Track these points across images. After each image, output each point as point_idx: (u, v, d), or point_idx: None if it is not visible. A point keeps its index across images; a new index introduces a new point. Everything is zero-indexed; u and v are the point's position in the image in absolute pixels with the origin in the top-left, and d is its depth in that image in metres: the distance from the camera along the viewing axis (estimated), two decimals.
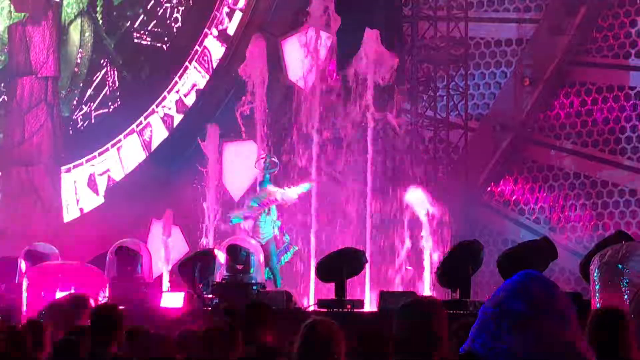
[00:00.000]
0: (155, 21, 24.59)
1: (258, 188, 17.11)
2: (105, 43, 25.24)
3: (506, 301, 3.40)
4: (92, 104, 25.26)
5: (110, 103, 25.07)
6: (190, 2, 24.17)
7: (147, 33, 24.67)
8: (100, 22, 25.30)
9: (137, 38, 24.85)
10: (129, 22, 25.03)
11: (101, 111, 25.07)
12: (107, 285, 13.24)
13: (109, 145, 24.22)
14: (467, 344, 3.36)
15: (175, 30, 24.34)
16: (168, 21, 24.49)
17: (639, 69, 19.44)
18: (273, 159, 17.44)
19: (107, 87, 25.15)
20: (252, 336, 6.23)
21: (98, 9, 25.45)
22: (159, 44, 24.49)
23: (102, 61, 25.26)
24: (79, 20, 25.56)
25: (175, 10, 24.36)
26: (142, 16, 24.82)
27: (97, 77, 25.29)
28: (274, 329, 6.43)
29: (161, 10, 24.59)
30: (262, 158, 17.53)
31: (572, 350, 3.27)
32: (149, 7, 24.70)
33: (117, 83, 25.06)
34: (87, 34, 25.46)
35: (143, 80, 24.54)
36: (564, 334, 3.28)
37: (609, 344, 4.91)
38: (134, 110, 24.12)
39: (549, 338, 3.26)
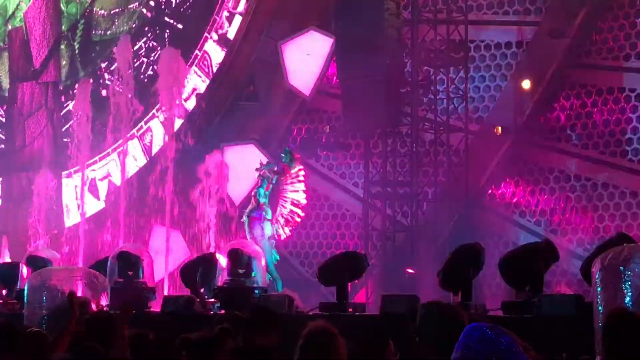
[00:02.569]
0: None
1: (254, 195, 17.19)
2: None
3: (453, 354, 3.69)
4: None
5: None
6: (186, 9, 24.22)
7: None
8: (77, 50, 25.48)
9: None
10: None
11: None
12: (109, 290, 13.24)
13: (109, 150, 24.23)
14: None
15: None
16: (141, 76, 24.71)
17: (639, 71, 19.45)
18: (272, 167, 17.53)
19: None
20: (255, 340, 6.24)
21: (77, 37, 25.71)
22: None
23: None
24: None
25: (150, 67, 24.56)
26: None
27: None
28: (277, 333, 6.44)
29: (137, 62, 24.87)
30: (263, 165, 17.60)
31: None
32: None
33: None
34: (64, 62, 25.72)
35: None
36: None
37: (623, 345, 4.92)
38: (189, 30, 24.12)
39: None
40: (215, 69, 23.24)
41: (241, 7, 23.21)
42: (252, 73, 22.75)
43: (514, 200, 20.45)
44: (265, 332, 6.39)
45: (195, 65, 23.59)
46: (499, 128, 19.82)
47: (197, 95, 23.48)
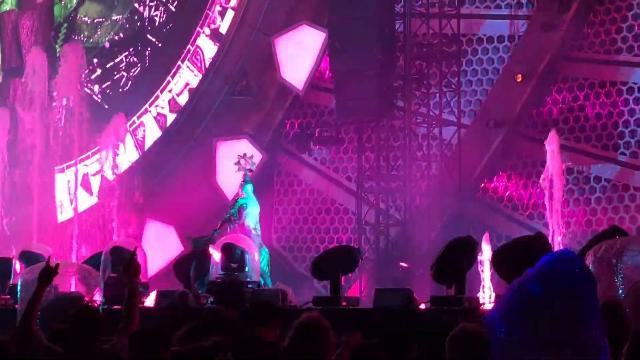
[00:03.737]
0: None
1: (240, 189, 17.26)
2: None
3: (527, 282, 3.25)
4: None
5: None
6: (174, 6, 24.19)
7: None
8: (58, 53, 25.48)
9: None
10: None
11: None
12: (102, 285, 13.24)
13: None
14: (491, 321, 3.22)
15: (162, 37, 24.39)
16: (120, 89, 24.68)
17: (631, 64, 19.49)
18: (249, 158, 17.62)
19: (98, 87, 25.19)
20: (254, 334, 6.26)
21: (59, 40, 25.70)
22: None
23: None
24: None
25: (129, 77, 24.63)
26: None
27: None
28: (276, 327, 6.47)
29: (117, 75, 24.88)
30: (241, 157, 17.68)
31: (585, 341, 3.13)
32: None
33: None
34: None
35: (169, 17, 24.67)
36: (579, 322, 3.14)
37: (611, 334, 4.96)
38: (169, 50, 24.15)
39: (561, 326, 3.12)
40: (207, 64, 23.23)
41: (233, 1, 23.19)
42: (245, 67, 22.74)
43: (507, 193, 20.48)
44: (267, 326, 6.42)
45: (188, 60, 23.57)
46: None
47: (190, 90, 23.47)
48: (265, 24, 22.49)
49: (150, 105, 23.85)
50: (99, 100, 24.99)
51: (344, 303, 12.38)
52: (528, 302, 3.12)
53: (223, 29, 23.18)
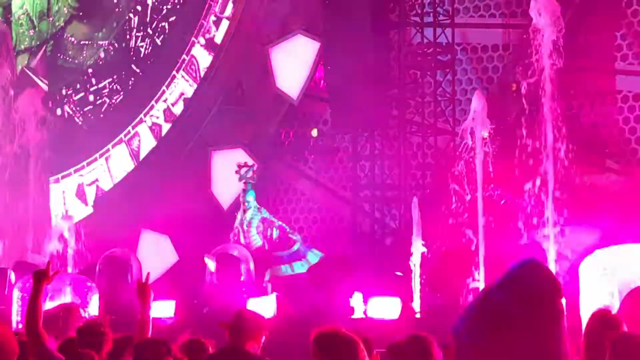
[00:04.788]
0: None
1: (242, 197, 17.22)
2: None
3: (490, 288, 3.27)
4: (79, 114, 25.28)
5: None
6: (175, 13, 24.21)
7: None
8: None
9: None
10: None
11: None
12: (97, 295, 13.24)
13: (97, 155, 24.20)
14: (456, 327, 3.21)
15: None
16: (101, 115, 24.70)
17: (625, 73, 19.53)
18: (251, 167, 17.60)
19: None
20: (239, 344, 6.25)
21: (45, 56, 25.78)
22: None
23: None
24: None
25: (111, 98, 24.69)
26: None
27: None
28: (263, 337, 6.45)
29: (100, 101, 24.95)
30: (242, 167, 17.64)
31: (546, 346, 3.12)
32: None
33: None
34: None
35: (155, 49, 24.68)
36: (539, 328, 3.13)
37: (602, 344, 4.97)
38: (122, 119, 24.15)
39: (521, 331, 3.11)
40: (202, 73, 23.25)
41: (228, 11, 23.22)
42: (240, 77, 22.76)
43: (502, 201, 20.46)
44: (252, 337, 6.40)
45: (183, 70, 23.59)
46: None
47: (185, 99, 23.48)
48: (260, 34, 22.52)
49: (145, 115, 23.86)
50: (79, 122, 25.02)
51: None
52: (489, 306, 3.13)
53: (218, 39, 23.21)
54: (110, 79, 24.85)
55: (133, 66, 24.56)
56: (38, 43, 25.97)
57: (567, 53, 19.93)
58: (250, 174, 17.43)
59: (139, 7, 24.52)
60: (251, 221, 16.77)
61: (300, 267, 16.94)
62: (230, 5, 23.15)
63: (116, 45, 24.90)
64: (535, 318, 3.09)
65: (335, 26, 20.27)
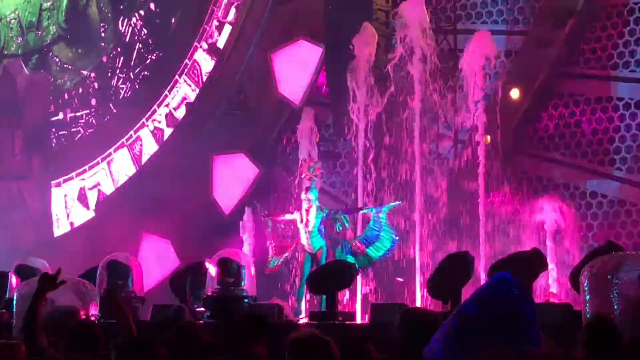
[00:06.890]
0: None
1: (304, 194, 16.50)
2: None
3: (465, 304, 3.28)
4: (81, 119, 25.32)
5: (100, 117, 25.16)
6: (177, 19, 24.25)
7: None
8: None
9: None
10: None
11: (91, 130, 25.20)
12: (98, 300, 13.22)
13: (99, 159, 24.22)
14: (431, 345, 3.22)
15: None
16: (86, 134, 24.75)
17: (627, 80, 19.54)
18: (316, 163, 17.26)
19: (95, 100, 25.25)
20: (245, 349, 6.25)
21: (28, 67, 25.78)
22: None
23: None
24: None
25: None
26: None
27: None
28: (267, 342, 6.45)
29: (75, 129, 24.92)
30: (312, 163, 17.11)
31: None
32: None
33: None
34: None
35: (133, 93, 24.63)
36: (514, 342, 3.14)
37: (604, 350, 4.97)
38: (124, 123, 24.16)
39: (496, 345, 3.12)
40: (205, 78, 23.27)
41: (231, 16, 23.25)
42: (242, 82, 22.78)
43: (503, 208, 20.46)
44: (257, 340, 6.40)
45: (185, 75, 23.62)
46: (488, 137, 19.83)
47: (187, 104, 23.50)
48: (263, 39, 22.54)
49: (147, 120, 23.88)
50: (53, 144, 25.05)
51: (340, 318, 12.39)
52: (464, 323, 3.15)
53: (220, 44, 23.24)
54: (88, 111, 24.90)
55: (111, 105, 24.60)
56: (24, 53, 25.88)
57: (568, 60, 19.99)
58: (313, 170, 16.76)
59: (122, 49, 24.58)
60: (314, 221, 16.20)
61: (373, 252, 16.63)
62: (232, 11, 23.18)
63: (98, 76, 24.90)
64: (510, 332, 3.11)
65: (338, 32, 20.28)
